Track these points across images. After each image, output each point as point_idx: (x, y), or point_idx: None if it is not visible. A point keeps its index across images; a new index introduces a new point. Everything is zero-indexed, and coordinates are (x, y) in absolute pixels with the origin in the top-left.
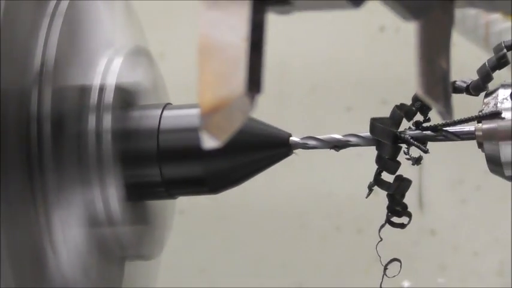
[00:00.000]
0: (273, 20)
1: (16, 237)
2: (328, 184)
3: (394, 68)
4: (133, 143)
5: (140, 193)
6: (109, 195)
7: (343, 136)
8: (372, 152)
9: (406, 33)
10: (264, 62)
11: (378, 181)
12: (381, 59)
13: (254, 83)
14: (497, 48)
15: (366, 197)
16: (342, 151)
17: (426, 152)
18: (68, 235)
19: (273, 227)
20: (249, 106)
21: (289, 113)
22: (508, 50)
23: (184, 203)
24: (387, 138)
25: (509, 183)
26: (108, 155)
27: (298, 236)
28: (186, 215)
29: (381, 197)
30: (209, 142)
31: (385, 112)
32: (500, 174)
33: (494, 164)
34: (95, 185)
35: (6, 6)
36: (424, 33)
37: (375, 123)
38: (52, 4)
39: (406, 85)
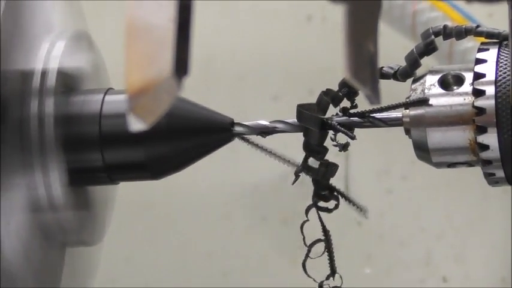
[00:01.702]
0: (201, 9)
1: None
2: (253, 174)
3: (320, 58)
4: (75, 127)
5: (82, 178)
6: (51, 180)
7: (269, 122)
8: (297, 142)
9: (333, 22)
10: (191, 45)
11: (305, 167)
12: (308, 48)
13: (181, 64)
14: (425, 35)
15: (293, 183)
16: (268, 142)
17: (353, 138)
18: (10, 220)
19: (198, 217)
20: (176, 88)
21: (216, 102)
22: (436, 36)
23: None
24: (314, 125)
25: (435, 173)
26: (51, 139)
27: (223, 226)
28: None
29: (306, 187)
30: (136, 124)
31: (312, 101)
32: (428, 160)
33: (422, 150)
34: (37, 170)
35: None
36: (352, 16)
37: (301, 109)
38: None
39: (333, 74)
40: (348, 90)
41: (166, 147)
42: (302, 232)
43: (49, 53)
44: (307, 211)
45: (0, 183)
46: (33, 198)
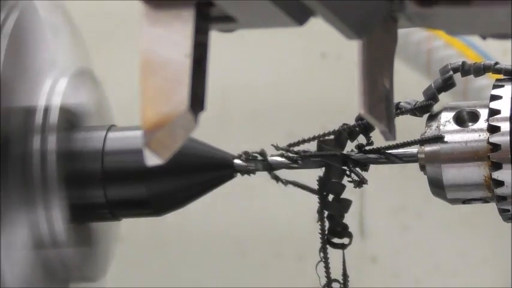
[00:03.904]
0: (215, 46)
1: None
2: (268, 210)
3: (335, 95)
4: (78, 164)
5: (84, 214)
6: (53, 217)
7: (285, 158)
8: (310, 178)
9: (348, 60)
10: (207, 80)
11: (325, 204)
12: (322, 85)
13: (197, 100)
14: (444, 70)
15: (317, 222)
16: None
17: (364, 182)
18: (12, 256)
19: (213, 254)
20: (192, 123)
21: (230, 139)
22: (454, 73)
23: (123, 230)
24: (336, 161)
25: (450, 210)
26: (53, 176)
27: (238, 263)
28: (125, 242)
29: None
30: (152, 159)
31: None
32: (443, 196)
33: (437, 186)
34: (39, 206)
35: None
36: (367, 52)
37: (323, 145)
38: None
39: (347, 112)
40: (364, 126)
41: (168, 184)
42: (317, 272)
43: (52, 90)
44: (321, 250)
45: (1, 219)
46: (35, 234)
